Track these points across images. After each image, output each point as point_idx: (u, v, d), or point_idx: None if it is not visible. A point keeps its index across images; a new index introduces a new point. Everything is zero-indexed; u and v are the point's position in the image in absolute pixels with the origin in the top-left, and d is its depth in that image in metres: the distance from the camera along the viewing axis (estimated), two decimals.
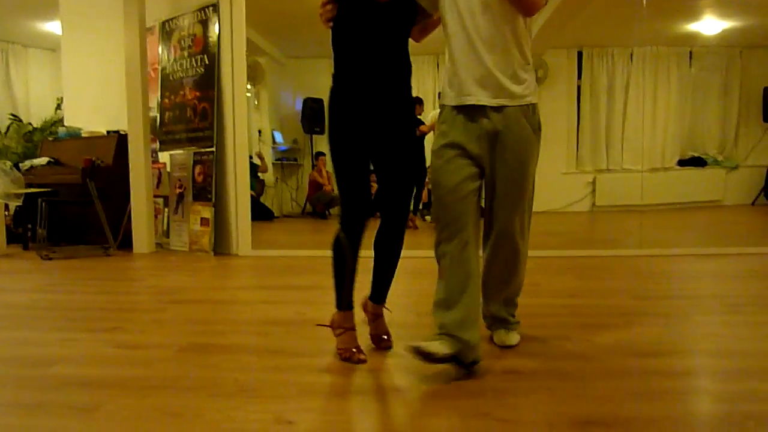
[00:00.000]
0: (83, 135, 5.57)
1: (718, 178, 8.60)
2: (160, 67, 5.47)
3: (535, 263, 4.11)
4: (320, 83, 9.14)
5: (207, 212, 4.92)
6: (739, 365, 2.07)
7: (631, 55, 8.47)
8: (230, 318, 2.88)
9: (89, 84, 5.90)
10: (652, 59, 8.49)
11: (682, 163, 8.69)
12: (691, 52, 8.58)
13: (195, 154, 5.09)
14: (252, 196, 5.83)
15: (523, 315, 2.71)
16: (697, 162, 8.67)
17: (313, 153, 8.79)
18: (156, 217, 5.29)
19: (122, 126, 5.19)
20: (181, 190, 5.20)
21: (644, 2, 4.99)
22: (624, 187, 7.75)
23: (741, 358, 2.14)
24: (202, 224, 4.97)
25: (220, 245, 4.88)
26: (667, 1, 6.12)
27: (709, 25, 7.44)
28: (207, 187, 4.96)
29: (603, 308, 2.92)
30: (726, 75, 8.63)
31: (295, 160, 9.14)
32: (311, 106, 8.64)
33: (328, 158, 8.60)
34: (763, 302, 3.02)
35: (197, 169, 5.06)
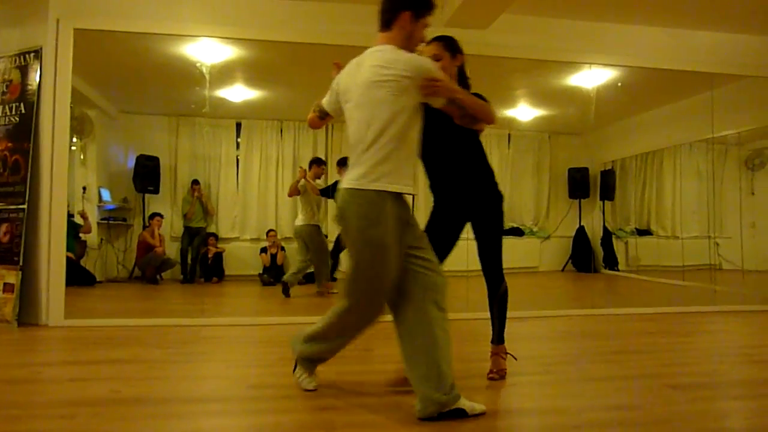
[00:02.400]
0: None
1: (534, 246, 9.54)
2: None
3: (371, 328, 4.19)
4: (155, 140, 8.76)
5: (12, 277, 4.35)
6: (547, 422, 2.25)
7: None
8: (29, 400, 2.51)
9: None
10: None
11: (504, 232, 9.52)
12: (509, 135, 9.62)
13: (1, 210, 4.52)
14: (71, 258, 5.30)
15: (355, 382, 2.73)
16: (516, 232, 9.57)
17: (146, 213, 8.26)
18: None
19: None
20: None
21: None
22: (454, 253, 8.27)
23: (549, 415, 2.33)
24: (5, 290, 4.36)
25: (27, 314, 4.31)
26: (488, 89, 6.76)
27: (523, 112, 8.44)
28: (14, 248, 4.41)
29: None
30: (538, 156, 9.77)
31: (125, 219, 8.50)
32: (145, 164, 8.18)
33: (165, 220, 8.16)
34: (568, 360, 3.35)
35: (3, 227, 4.49)
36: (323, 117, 2.65)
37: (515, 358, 2.97)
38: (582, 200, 9.49)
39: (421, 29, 2.42)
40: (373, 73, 2.31)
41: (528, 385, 2.84)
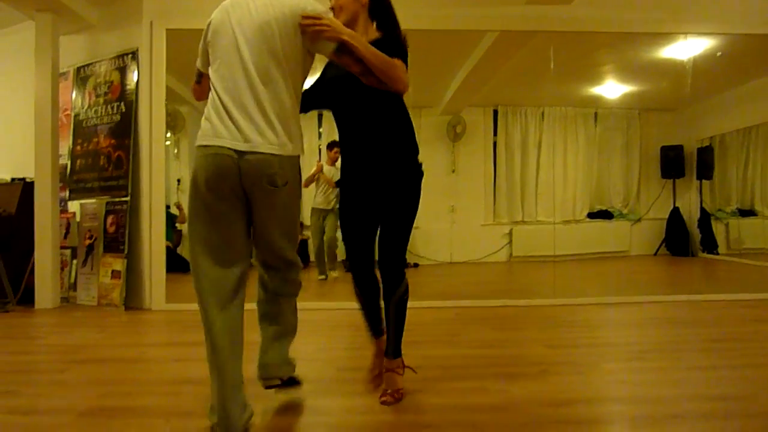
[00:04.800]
0: None
1: (624, 230, 9.14)
2: (72, 114, 5.27)
3: (454, 313, 4.19)
4: None
5: (118, 264, 4.69)
6: (644, 411, 2.16)
7: (543, 114, 8.99)
8: (138, 378, 2.72)
9: None
10: (561, 119, 9.05)
11: (591, 215, 9.18)
12: (596, 113, 9.23)
13: (108, 203, 4.88)
14: (168, 247, 5.62)
15: (442, 367, 2.75)
16: (605, 215, 9.19)
17: None
18: (62, 269, 4.98)
19: (29, 173, 4.91)
20: (91, 241, 4.94)
21: (552, 67, 5.35)
22: (538, 238, 8.07)
23: (646, 404, 2.24)
24: (112, 277, 4.72)
25: (132, 299, 4.64)
26: (572, 66, 6.58)
27: (611, 89, 8.07)
28: (119, 237, 4.74)
29: (519, 358, 2.98)
30: (627, 134, 9.32)
31: None
32: None
33: None
34: (664, 348, 3.19)
35: (109, 219, 4.84)
36: (200, 81, 2.19)
37: (415, 371, 2.42)
38: (676, 180, 8.97)
39: None
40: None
41: (622, 373, 2.74)
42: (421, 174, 2.31)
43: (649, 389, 2.44)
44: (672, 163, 8.90)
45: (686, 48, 5.57)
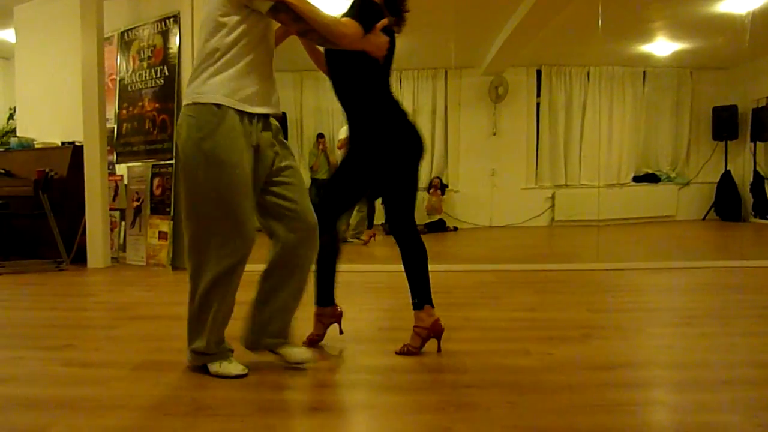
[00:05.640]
0: (36, 146, 5.40)
1: (671, 193, 8.88)
2: (117, 78, 5.36)
3: (495, 276, 4.18)
4: (281, 96, 9.15)
5: (165, 226, 4.82)
6: (691, 376, 2.12)
7: (588, 74, 8.71)
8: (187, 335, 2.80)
9: (44, 94, 5.73)
10: (607, 78, 8.75)
11: (637, 179, 8.94)
12: (644, 72, 8.89)
13: (153, 166, 4.99)
14: None
15: (483, 328, 2.75)
16: (651, 178, 8.93)
17: None
18: (112, 230, 5.15)
19: (78, 137, 5.05)
20: (138, 203, 5.08)
21: (600, 24, 5.15)
22: (582, 202, 7.92)
23: (693, 369, 2.20)
24: (160, 238, 4.86)
25: (179, 260, 4.78)
26: (621, 23, 6.32)
27: (661, 46, 7.73)
28: (165, 200, 4.86)
29: (561, 322, 2.96)
30: (677, 94, 8.96)
31: None
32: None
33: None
34: (712, 314, 3.12)
35: (156, 181, 4.96)
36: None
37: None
38: (729, 142, 8.61)
39: None
40: None
41: (668, 338, 2.69)
42: (379, 148, 2.33)
43: (696, 354, 2.39)
44: (725, 124, 8.53)
45: (745, 1, 5.26)
